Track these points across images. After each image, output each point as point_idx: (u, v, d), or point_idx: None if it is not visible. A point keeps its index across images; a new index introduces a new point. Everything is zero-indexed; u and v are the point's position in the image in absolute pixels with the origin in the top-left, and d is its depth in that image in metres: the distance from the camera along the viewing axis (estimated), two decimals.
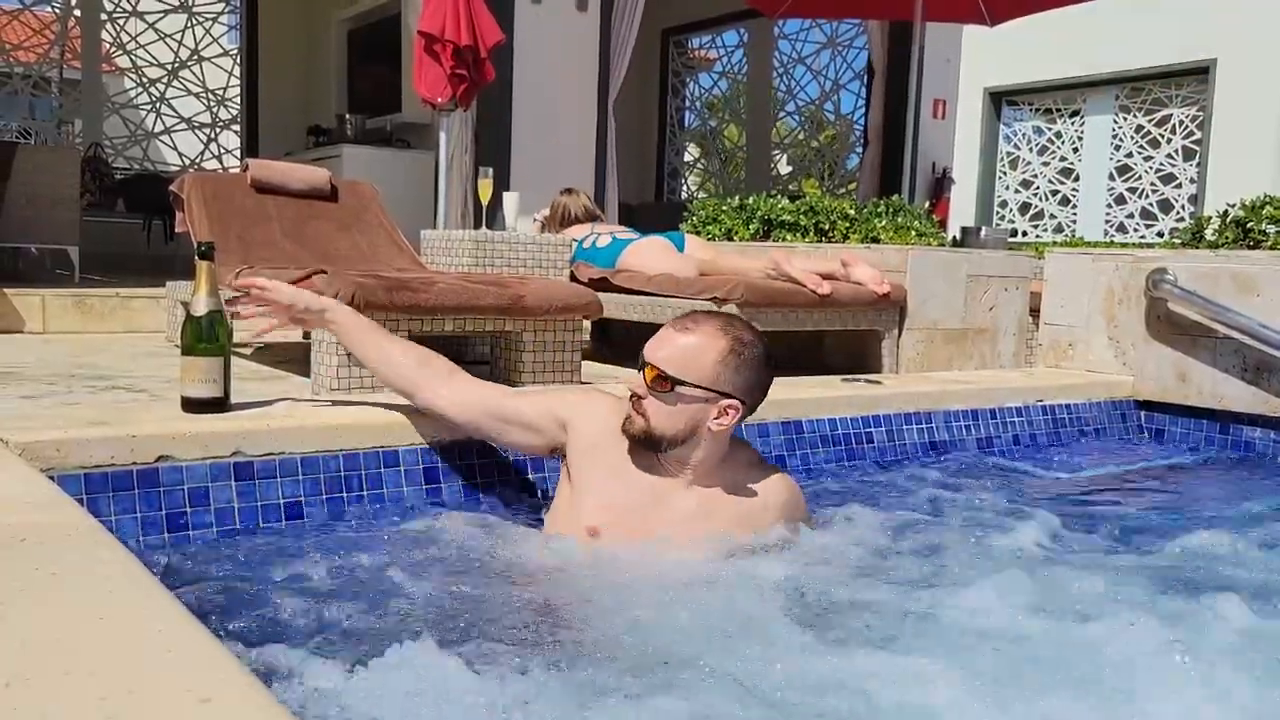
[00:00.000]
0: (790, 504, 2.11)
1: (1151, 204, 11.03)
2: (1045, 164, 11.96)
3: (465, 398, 2.16)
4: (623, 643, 1.52)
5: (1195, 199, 10.50)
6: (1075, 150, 11.70)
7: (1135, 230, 11.12)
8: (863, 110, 9.69)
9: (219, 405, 2.17)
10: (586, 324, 4.16)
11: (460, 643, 1.45)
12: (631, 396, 1.99)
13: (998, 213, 12.28)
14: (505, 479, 2.38)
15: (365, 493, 2.18)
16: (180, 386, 2.16)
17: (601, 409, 2.11)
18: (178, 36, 10.08)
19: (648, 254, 4.50)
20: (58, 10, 9.68)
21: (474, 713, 1.25)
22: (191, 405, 2.15)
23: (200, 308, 2.12)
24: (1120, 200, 11.28)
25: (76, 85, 9.99)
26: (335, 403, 2.48)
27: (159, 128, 10.10)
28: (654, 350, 1.97)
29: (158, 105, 10.08)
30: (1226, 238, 4.28)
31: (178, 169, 9.92)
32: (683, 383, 1.94)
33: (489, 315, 3.02)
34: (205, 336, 2.13)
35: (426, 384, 2.17)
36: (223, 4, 10.31)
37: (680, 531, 1.98)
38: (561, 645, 1.50)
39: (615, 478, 2.02)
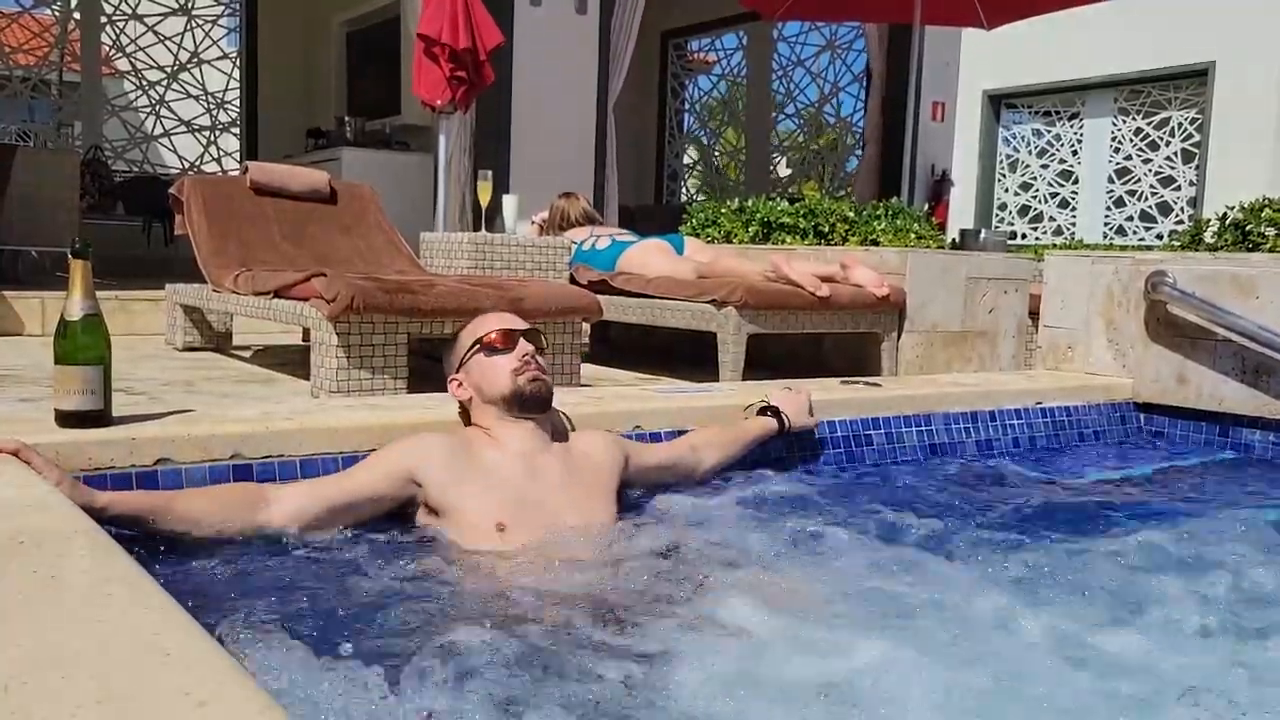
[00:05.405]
0: (611, 435, 2.30)
1: (1151, 206, 11.04)
2: (1044, 166, 11.96)
3: (299, 504, 1.91)
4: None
5: (1194, 201, 10.50)
6: (1074, 153, 11.70)
7: (1134, 233, 11.12)
8: (862, 113, 9.69)
9: (98, 420, 1.93)
10: (586, 326, 4.16)
11: (464, 641, 1.45)
12: (534, 362, 2.12)
13: (997, 215, 12.28)
14: None
15: None
16: (54, 398, 1.94)
17: (430, 438, 2.08)
18: (177, 39, 10.09)
19: (647, 256, 4.50)
20: (57, 13, 9.69)
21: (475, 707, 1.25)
22: (67, 420, 1.91)
23: (75, 311, 1.89)
24: (1119, 203, 11.28)
25: (76, 88, 10.00)
26: (335, 405, 2.48)
27: (158, 130, 10.11)
28: (518, 319, 2.22)
29: (157, 108, 10.09)
30: (1226, 240, 4.28)
31: (177, 172, 9.93)
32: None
33: None
34: (82, 343, 1.89)
35: (254, 516, 1.88)
36: (222, 7, 10.32)
37: (567, 498, 2.07)
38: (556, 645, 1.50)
39: (493, 475, 2.05)
